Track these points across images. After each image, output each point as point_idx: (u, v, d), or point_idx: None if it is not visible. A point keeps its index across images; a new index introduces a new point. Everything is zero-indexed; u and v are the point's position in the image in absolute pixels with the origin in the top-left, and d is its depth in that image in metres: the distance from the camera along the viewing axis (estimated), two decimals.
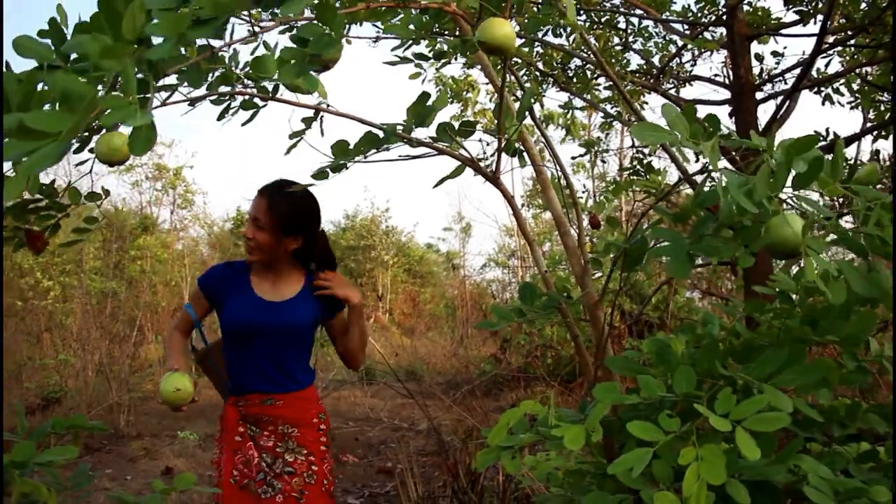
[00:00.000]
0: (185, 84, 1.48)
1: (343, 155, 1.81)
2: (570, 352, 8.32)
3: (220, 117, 1.99)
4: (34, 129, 1.03)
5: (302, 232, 2.49)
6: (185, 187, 17.76)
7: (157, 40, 1.21)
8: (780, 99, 4.04)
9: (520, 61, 4.39)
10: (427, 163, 2.04)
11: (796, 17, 4.31)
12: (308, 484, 2.39)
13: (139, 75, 1.22)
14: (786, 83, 4.85)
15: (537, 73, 4.79)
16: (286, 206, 2.44)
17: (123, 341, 9.96)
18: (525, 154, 2.24)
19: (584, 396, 1.79)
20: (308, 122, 2.14)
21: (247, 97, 1.95)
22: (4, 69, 1.37)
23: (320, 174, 1.88)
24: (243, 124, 2.01)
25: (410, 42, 2.18)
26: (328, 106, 2.08)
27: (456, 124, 1.92)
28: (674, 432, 1.43)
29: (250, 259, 2.50)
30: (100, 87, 1.15)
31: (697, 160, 3.66)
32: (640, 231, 1.62)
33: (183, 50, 1.24)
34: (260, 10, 1.53)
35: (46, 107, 1.15)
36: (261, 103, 1.99)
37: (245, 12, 1.35)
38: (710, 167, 1.36)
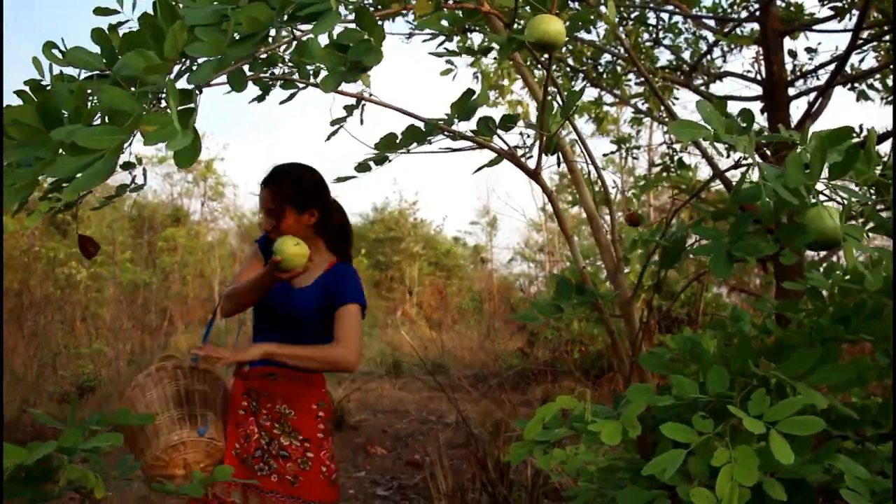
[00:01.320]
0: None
1: (388, 148, 1.84)
2: (598, 347, 8.32)
3: (261, 99, 2.01)
4: (83, 146, 1.08)
5: (314, 204, 2.47)
6: (215, 179, 17.93)
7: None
8: (813, 95, 4.02)
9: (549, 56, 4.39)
10: (456, 156, 2.06)
11: (830, 13, 4.28)
12: (302, 470, 2.38)
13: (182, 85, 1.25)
14: (819, 79, 4.81)
15: (568, 69, 4.79)
16: (289, 182, 2.45)
17: (155, 331, 10.12)
18: (558, 150, 2.26)
19: (621, 392, 1.80)
20: (350, 109, 2.16)
21: (287, 79, 1.97)
22: (51, 79, 1.42)
23: (363, 167, 1.91)
24: (281, 103, 2.02)
25: (444, 39, 2.21)
26: (371, 95, 2.10)
27: (497, 118, 1.94)
28: (707, 434, 1.44)
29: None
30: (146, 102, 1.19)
31: (728, 156, 3.65)
32: (678, 228, 1.63)
33: None
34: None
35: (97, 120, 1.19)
36: (300, 84, 2.01)
37: None
38: (746, 160, 1.38)
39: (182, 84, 1.25)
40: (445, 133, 1.86)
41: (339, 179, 2.01)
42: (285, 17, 1.25)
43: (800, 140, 1.43)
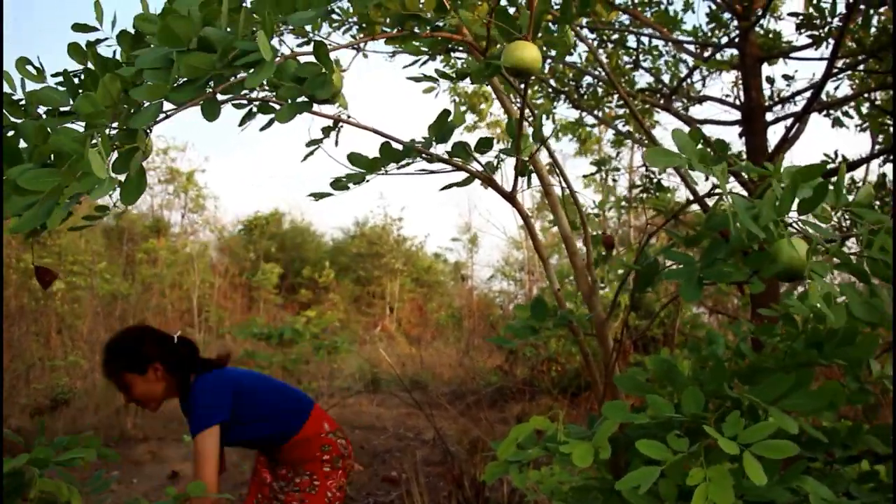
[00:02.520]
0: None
1: (366, 168, 1.86)
2: (575, 365, 8.34)
3: (242, 123, 2.02)
4: (25, 188, 1.14)
5: (151, 359, 2.52)
6: (196, 191, 17.87)
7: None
8: (790, 121, 4.08)
9: (532, 78, 4.44)
10: (439, 174, 2.09)
11: (808, 41, 4.36)
12: (309, 493, 2.55)
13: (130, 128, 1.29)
14: (796, 105, 4.89)
15: (549, 90, 4.84)
16: (109, 356, 2.52)
17: None
18: (533, 172, 2.29)
19: (595, 413, 1.82)
20: (327, 131, 2.18)
21: (266, 101, 1.99)
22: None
23: (339, 185, 1.93)
24: (261, 129, 2.04)
25: (426, 59, 2.25)
26: (348, 117, 2.13)
27: (473, 142, 1.98)
28: (682, 452, 1.47)
29: (153, 411, 2.60)
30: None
31: (707, 179, 3.69)
32: (651, 252, 1.66)
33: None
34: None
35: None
36: (277, 107, 2.03)
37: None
38: (720, 190, 1.41)
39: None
40: (422, 155, 1.89)
41: (316, 196, 2.03)
42: (225, 64, 1.28)
43: (773, 172, 1.46)
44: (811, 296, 1.35)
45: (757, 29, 4.45)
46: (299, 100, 1.43)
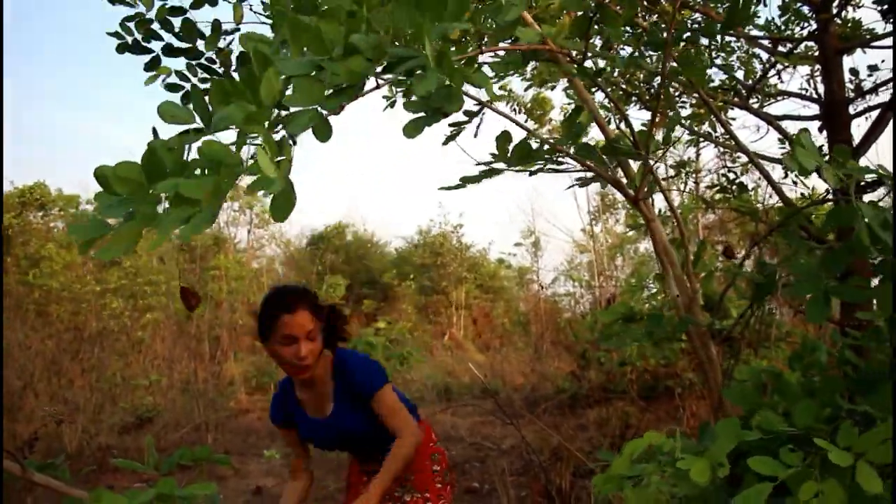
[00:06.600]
0: None
1: (519, 160, 1.87)
2: (650, 369, 8.20)
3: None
4: (187, 196, 1.13)
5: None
6: (261, 207, 18.16)
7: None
8: (874, 114, 3.94)
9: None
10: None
11: (893, 28, 4.20)
12: None
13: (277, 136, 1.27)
14: (879, 96, 4.72)
15: (621, 93, 4.77)
16: (318, 303, 2.36)
17: (206, 360, 10.23)
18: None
19: (702, 422, 1.79)
20: (458, 127, 2.23)
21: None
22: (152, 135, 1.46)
23: (474, 179, 1.97)
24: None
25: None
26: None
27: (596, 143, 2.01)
28: (796, 467, 1.43)
29: (304, 377, 2.36)
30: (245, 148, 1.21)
31: (796, 183, 3.62)
32: (768, 265, 1.62)
33: None
34: None
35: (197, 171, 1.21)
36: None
37: None
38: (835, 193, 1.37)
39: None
40: (555, 155, 1.90)
41: (448, 188, 2.06)
42: (379, 70, 1.26)
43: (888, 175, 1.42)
44: None
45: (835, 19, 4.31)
46: (418, 115, 1.40)
